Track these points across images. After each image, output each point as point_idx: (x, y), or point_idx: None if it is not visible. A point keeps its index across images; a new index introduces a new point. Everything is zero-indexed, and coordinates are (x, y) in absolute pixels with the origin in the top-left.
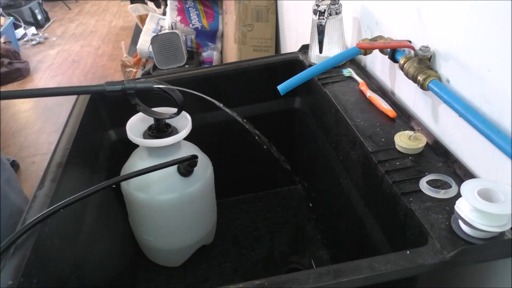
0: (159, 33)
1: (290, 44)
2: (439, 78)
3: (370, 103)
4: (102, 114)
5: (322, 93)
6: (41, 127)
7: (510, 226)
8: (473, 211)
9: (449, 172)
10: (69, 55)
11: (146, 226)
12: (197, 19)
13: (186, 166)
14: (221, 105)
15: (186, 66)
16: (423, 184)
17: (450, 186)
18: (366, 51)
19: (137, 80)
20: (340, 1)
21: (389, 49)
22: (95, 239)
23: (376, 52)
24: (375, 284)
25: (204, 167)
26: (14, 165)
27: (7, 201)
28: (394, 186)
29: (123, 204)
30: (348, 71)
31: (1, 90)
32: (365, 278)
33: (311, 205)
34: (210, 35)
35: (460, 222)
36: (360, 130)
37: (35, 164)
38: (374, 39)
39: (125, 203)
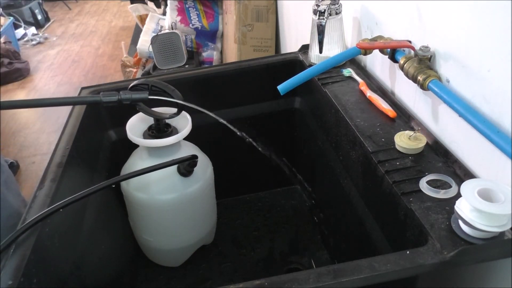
0: (159, 33)
1: (290, 44)
2: (439, 78)
3: (370, 103)
4: (102, 114)
5: (322, 93)
6: (41, 127)
7: (510, 226)
8: (473, 211)
9: (449, 172)
10: (69, 55)
11: (146, 226)
12: (197, 19)
13: (186, 166)
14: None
15: (186, 66)
16: (423, 184)
17: (450, 186)
18: (366, 51)
19: (133, 89)
20: (340, 1)
21: (389, 49)
22: (95, 239)
23: (376, 52)
24: (375, 284)
25: (204, 167)
26: (13, 166)
27: (5, 203)
28: (394, 186)
29: (123, 204)
30: (348, 71)
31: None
32: (365, 278)
33: (311, 205)
34: (210, 35)
35: (460, 222)
36: (360, 130)
37: (35, 164)
38: (374, 39)
39: (125, 203)
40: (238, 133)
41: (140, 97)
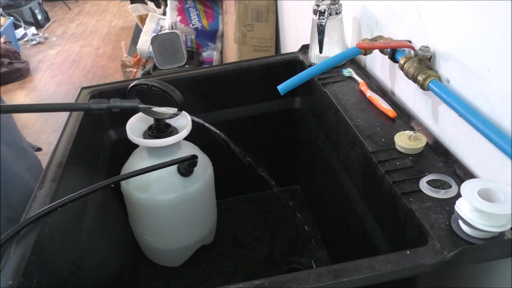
0: (159, 33)
1: (290, 44)
2: (439, 78)
3: (370, 103)
4: (102, 114)
5: (322, 93)
6: (41, 127)
7: (510, 226)
8: (473, 211)
9: (449, 172)
10: (69, 55)
11: (146, 226)
12: (197, 19)
13: (186, 166)
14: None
15: (186, 66)
16: (423, 184)
17: (450, 186)
18: (366, 51)
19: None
20: (340, 1)
21: (389, 49)
22: (95, 239)
23: (376, 52)
24: (375, 284)
25: (204, 167)
26: (40, 151)
27: (27, 189)
28: (394, 186)
29: (123, 204)
30: (348, 71)
31: None
32: (365, 278)
33: (311, 205)
34: (210, 35)
35: (460, 222)
36: (360, 130)
37: None
38: (374, 39)
39: (125, 203)
40: (215, 131)
41: (130, 106)
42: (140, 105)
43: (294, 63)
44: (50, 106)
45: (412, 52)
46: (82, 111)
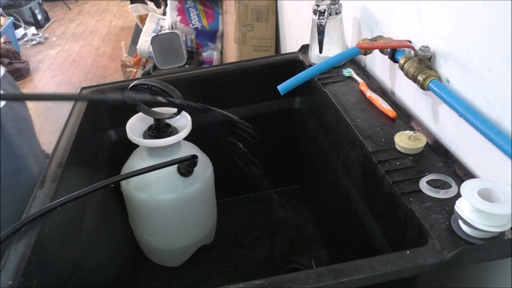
0: (159, 33)
1: (290, 44)
2: (439, 78)
3: (370, 103)
4: (102, 114)
5: (322, 93)
6: (41, 127)
7: (510, 226)
8: (473, 211)
9: (449, 172)
10: (69, 55)
11: (146, 226)
12: (197, 19)
13: (186, 166)
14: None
15: (186, 66)
16: (423, 184)
17: (450, 186)
18: (366, 51)
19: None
20: (340, 1)
21: (389, 49)
22: (95, 239)
23: (376, 52)
24: (375, 284)
25: (204, 167)
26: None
27: None
28: (394, 186)
29: (123, 204)
30: (348, 71)
31: (2, 92)
32: (365, 278)
33: (311, 205)
34: (210, 35)
35: (460, 222)
36: (360, 130)
37: None
38: (374, 39)
39: (125, 203)
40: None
41: (142, 98)
42: (149, 97)
43: (294, 63)
44: (66, 96)
45: (412, 52)
46: (98, 101)
